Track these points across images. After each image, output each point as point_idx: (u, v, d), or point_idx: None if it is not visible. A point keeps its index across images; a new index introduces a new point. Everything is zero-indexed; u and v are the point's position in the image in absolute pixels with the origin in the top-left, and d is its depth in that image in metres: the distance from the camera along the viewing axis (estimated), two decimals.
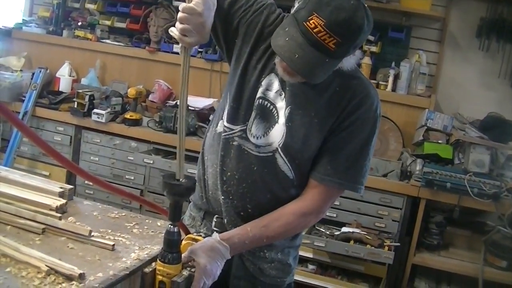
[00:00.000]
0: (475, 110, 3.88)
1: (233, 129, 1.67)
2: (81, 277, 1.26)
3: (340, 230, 3.41)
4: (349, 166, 1.61)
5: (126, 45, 4.51)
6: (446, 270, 3.50)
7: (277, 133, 1.63)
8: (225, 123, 1.68)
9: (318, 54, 1.41)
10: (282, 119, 1.62)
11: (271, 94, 1.64)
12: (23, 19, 4.82)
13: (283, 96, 1.63)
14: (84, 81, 4.41)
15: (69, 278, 1.25)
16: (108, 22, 4.57)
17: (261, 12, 1.67)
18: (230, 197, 1.68)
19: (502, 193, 3.30)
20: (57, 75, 4.47)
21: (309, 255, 3.43)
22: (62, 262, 1.29)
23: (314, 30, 1.39)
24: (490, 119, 3.63)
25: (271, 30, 1.60)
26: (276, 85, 1.64)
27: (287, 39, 1.43)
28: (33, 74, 4.29)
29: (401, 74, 3.89)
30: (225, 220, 1.70)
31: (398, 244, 3.36)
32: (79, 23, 4.60)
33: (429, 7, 3.85)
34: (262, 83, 1.65)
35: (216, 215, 1.74)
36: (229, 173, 1.67)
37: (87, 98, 3.98)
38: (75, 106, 4.02)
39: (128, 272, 1.35)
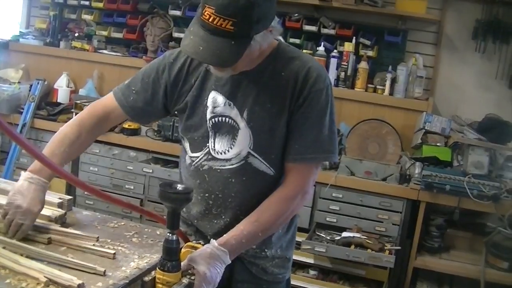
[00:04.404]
0: (473, 112, 3.89)
1: (198, 156, 1.72)
2: (80, 287, 1.26)
3: (340, 235, 3.41)
4: (315, 139, 1.64)
5: (123, 55, 4.52)
6: (448, 273, 3.50)
7: (244, 138, 1.66)
8: (190, 154, 1.74)
9: (222, 40, 1.45)
10: (242, 124, 1.66)
11: (220, 109, 1.68)
12: (20, 31, 4.83)
13: (232, 105, 1.67)
14: (82, 91, 4.41)
15: None
16: (105, 33, 4.58)
17: (172, 64, 1.73)
18: (223, 217, 1.72)
19: (501, 194, 3.29)
20: (55, 86, 4.48)
21: (310, 260, 3.43)
22: (61, 273, 1.29)
23: (209, 20, 1.44)
24: (488, 120, 3.64)
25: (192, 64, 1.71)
26: (221, 99, 1.68)
27: (191, 37, 1.50)
28: (31, 85, 4.29)
29: (398, 78, 3.90)
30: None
31: (399, 247, 3.35)
32: (76, 34, 4.61)
33: (425, 10, 3.85)
34: (208, 104, 1.69)
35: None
36: (212, 196, 1.71)
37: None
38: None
39: (127, 281, 1.35)
